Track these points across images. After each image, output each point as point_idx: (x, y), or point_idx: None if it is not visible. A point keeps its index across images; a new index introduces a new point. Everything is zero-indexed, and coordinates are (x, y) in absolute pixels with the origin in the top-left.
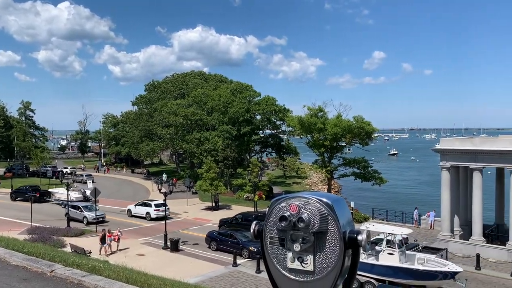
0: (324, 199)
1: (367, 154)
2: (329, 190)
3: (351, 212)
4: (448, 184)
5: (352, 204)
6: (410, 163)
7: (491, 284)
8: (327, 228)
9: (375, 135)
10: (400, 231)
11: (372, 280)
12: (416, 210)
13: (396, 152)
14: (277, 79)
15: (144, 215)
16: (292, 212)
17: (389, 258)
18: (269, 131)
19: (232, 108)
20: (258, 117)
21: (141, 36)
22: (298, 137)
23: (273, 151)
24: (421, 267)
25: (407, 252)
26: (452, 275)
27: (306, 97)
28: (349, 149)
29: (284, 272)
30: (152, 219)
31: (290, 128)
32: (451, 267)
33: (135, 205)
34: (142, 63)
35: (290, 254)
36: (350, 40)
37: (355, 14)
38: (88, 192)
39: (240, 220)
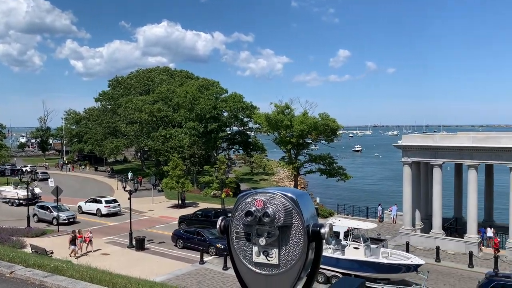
0: (289, 194)
1: (333, 150)
2: (295, 186)
3: (317, 208)
4: (409, 179)
5: (318, 200)
6: (374, 159)
7: (450, 275)
8: (291, 222)
9: (340, 132)
10: (365, 225)
11: (338, 274)
12: (379, 206)
13: (360, 148)
14: (244, 76)
15: (95, 212)
16: (257, 207)
17: (354, 252)
18: (236, 128)
19: (198, 104)
20: (225, 114)
21: (104, 31)
22: (265, 134)
23: (240, 148)
24: (385, 261)
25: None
26: (415, 267)
27: (273, 94)
28: (315, 146)
29: (250, 266)
30: (103, 216)
31: (257, 125)
32: (414, 260)
33: (86, 202)
34: (105, 58)
35: (255, 248)
36: (316, 38)
37: (321, 13)
38: (36, 190)
39: (199, 216)
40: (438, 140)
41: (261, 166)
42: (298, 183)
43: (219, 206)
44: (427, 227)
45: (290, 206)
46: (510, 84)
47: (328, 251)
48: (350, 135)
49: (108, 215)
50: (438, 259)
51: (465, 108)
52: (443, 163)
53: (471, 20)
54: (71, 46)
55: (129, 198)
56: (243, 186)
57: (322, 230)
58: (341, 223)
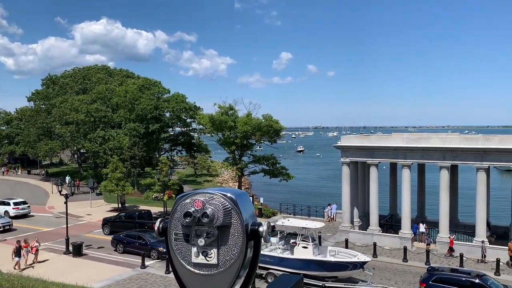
0: (228, 194)
1: (276, 151)
2: (239, 187)
3: (260, 208)
4: (348, 178)
5: (261, 200)
6: (315, 159)
7: (386, 270)
8: (230, 222)
9: (283, 133)
10: (314, 225)
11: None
12: (328, 206)
13: (303, 149)
14: (188, 76)
15: (3, 214)
16: (196, 208)
17: (303, 252)
18: (179, 129)
19: (139, 105)
20: (168, 114)
21: (38, 26)
22: (209, 135)
23: (183, 149)
24: (332, 259)
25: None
26: (361, 265)
27: (217, 95)
28: (259, 147)
29: (189, 267)
30: (11, 218)
31: (201, 126)
32: (360, 257)
33: None
34: (40, 55)
35: (194, 249)
36: (260, 40)
37: (264, 15)
38: None
39: (123, 218)
40: (374, 141)
41: (205, 167)
42: (242, 184)
43: (160, 209)
44: (364, 224)
45: (229, 206)
46: (440, 87)
47: (277, 251)
48: (293, 136)
49: (17, 217)
50: (375, 254)
51: (399, 110)
52: (379, 162)
53: (407, 23)
54: (0, 42)
55: (65, 202)
56: (186, 188)
57: (260, 229)
58: (290, 223)
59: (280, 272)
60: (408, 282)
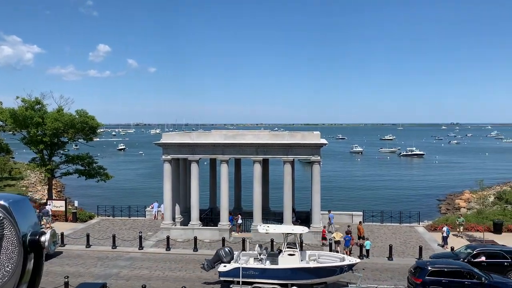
0: (1, 202)
1: (94, 150)
2: (49, 191)
3: (75, 212)
4: (169, 175)
5: (76, 203)
6: (137, 157)
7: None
8: (2, 234)
9: (101, 130)
10: (301, 229)
11: (276, 286)
12: (156, 203)
13: (124, 147)
14: None
15: None
16: None
17: (290, 260)
18: None
19: None
20: None
21: None
22: (10, 133)
23: None
24: (322, 265)
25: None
26: (349, 267)
27: (21, 88)
28: (76, 146)
29: None
30: None
31: (0, 123)
32: (350, 259)
33: None
34: None
35: None
36: (74, 29)
37: (78, 3)
38: None
39: None
40: (195, 138)
41: (5, 170)
42: (54, 187)
43: None
44: (186, 220)
45: (0, 215)
46: (254, 87)
47: (250, 261)
48: (113, 133)
49: None
50: (195, 248)
51: (219, 108)
52: (199, 158)
53: (229, 22)
54: None
55: None
56: None
57: (42, 238)
58: (273, 230)
59: (266, 286)
60: None
